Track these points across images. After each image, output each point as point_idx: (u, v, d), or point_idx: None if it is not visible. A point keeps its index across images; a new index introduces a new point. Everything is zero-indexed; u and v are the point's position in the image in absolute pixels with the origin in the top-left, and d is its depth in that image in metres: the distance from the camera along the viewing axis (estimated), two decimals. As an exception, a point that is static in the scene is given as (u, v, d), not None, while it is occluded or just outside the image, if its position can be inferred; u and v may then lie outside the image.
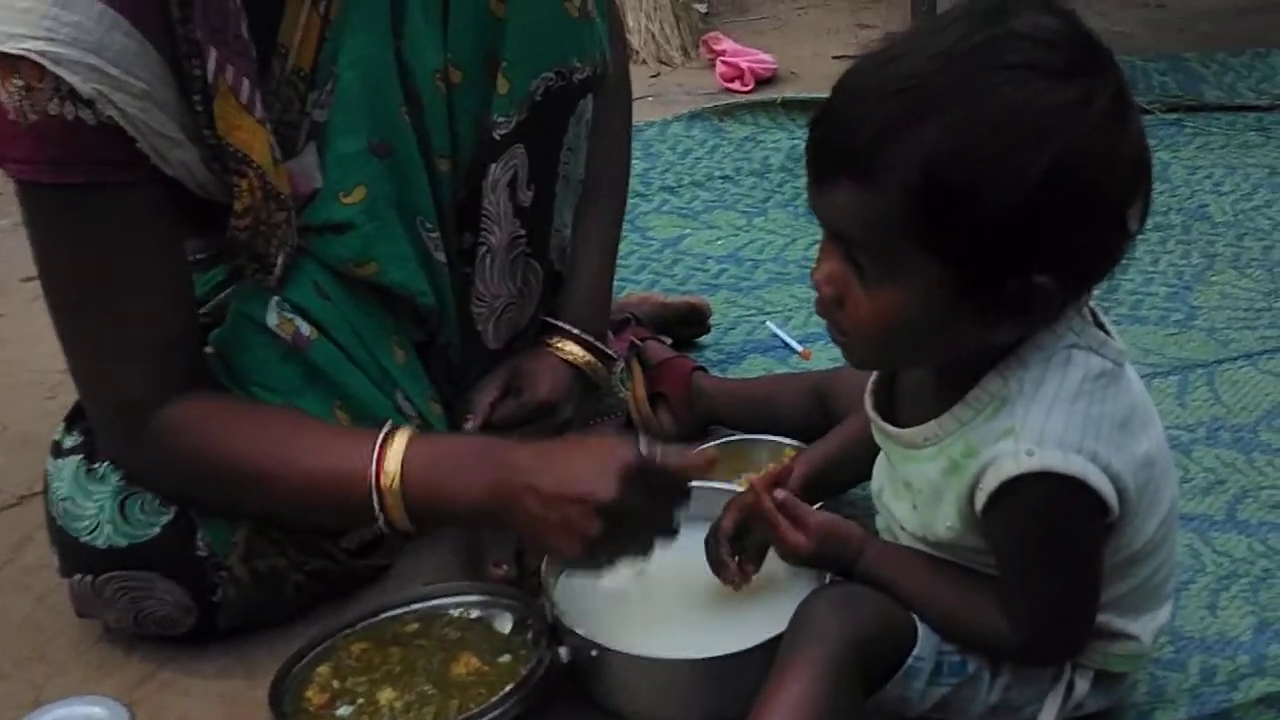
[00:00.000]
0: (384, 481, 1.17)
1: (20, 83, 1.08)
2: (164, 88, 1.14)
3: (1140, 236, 2.11)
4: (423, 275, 1.33)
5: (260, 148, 1.19)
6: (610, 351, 1.47)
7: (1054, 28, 0.93)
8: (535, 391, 1.39)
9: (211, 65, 1.14)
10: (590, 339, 1.43)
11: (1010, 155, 0.89)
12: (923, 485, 1.04)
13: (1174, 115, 2.42)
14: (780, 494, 1.10)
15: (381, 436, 1.19)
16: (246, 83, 1.17)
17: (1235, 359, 1.71)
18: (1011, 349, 0.99)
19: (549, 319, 1.43)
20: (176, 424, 1.21)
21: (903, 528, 1.10)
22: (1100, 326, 1.04)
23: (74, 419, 1.30)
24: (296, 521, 1.28)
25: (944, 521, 1.03)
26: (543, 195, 1.37)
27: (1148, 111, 2.40)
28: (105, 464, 1.26)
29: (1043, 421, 0.96)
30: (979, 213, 0.90)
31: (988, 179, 0.89)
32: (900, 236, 0.93)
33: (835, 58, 2.84)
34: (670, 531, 1.17)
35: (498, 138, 1.32)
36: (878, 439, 1.11)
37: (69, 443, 1.28)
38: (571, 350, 1.42)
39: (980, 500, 0.99)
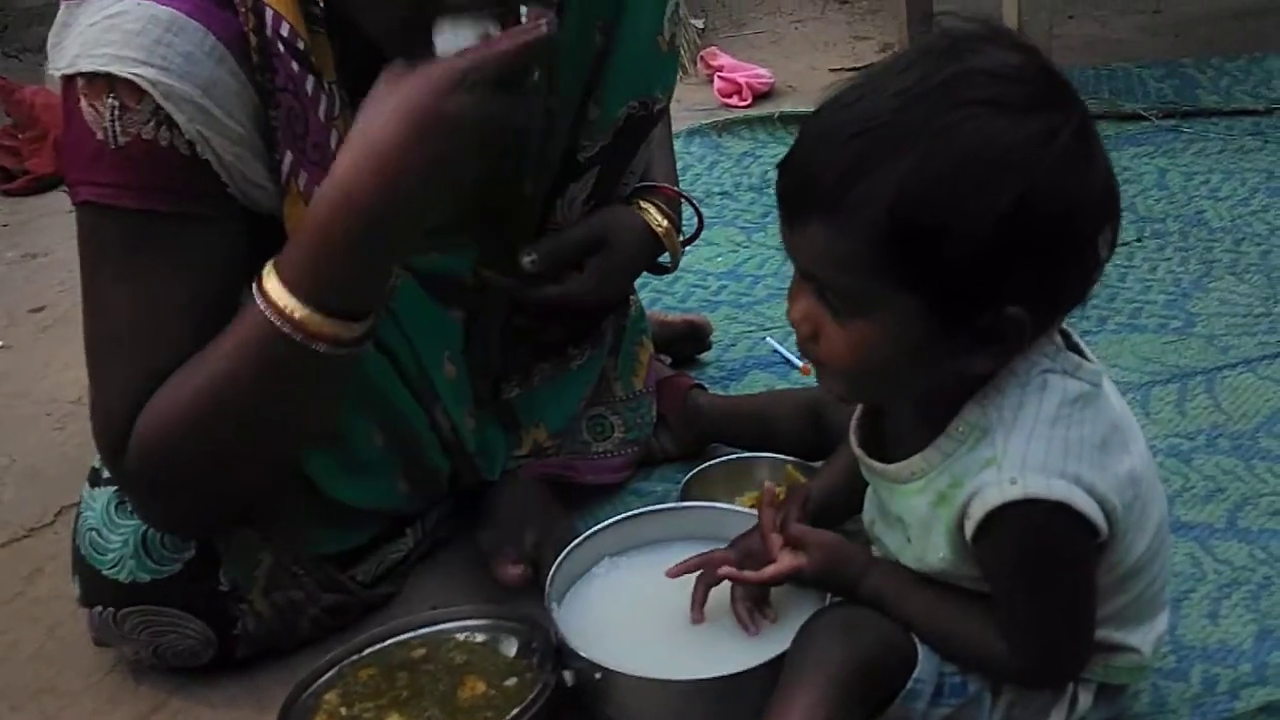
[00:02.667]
0: (280, 307, 1.09)
1: (115, 102, 1.07)
2: (257, 135, 1.13)
3: (1138, 244, 2.13)
4: (469, 266, 1.36)
5: None
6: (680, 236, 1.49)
7: (1015, 63, 0.94)
8: (614, 250, 1.40)
9: (286, 167, 1.14)
10: (664, 208, 1.46)
11: (974, 193, 0.90)
12: (913, 519, 1.05)
13: (1170, 122, 2.42)
14: (789, 514, 1.12)
15: (254, 285, 1.11)
16: (318, 190, 1.13)
17: (1234, 365, 1.72)
18: (988, 378, 1.00)
19: (642, 184, 1.46)
20: (145, 421, 1.15)
21: (896, 559, 1.10)
22: (1075, 349, 1.04)
23: None
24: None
25: (936, 553, 1.04)
26: (596, 208, 1.41)
27: (1144, 118, 2.41)
28: None
29: (1024, 449, 0.97)
30: (946, 250, 0.91)
31: (953, 217, 0.91)
32: (870, 275, 0.94)
33: (832, 70, 2.86)
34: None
35: (582, 160, 1.37)
36: (865, 475, 1.12)
37: (107, 473, 1.28)
38: (655, 216, 1.45)
39: (969, 530, 1.00)
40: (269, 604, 1.28)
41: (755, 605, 1.17)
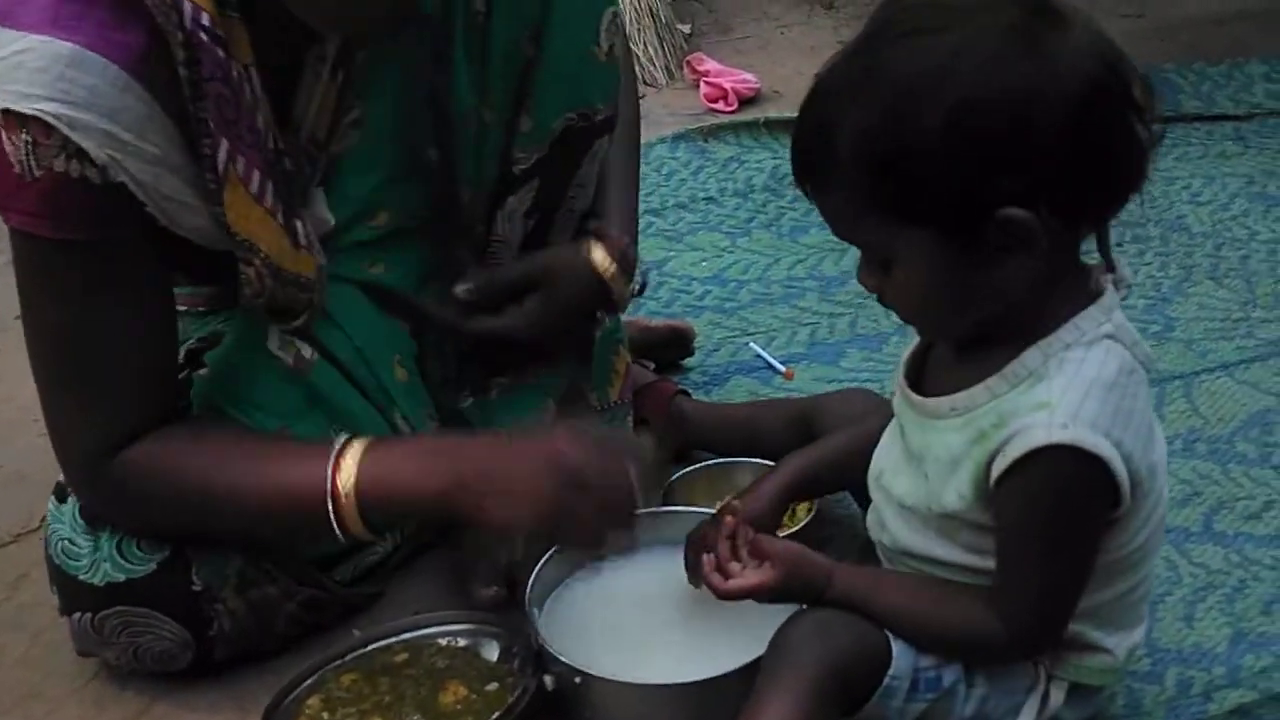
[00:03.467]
0: (340, 493, 1.21)
1: (27, 138, 1.09)
2: (176, 152, 1.15)
3: (1119, 249, 2.15)
4: (420, 284, 1.39)
5: (269, 237, 1.21)
6: (630, 279, 1.46)
7: None
8: (553, 284, 1.39)
9: (222, 155, 1.15)
10: (614, 247, 1.42)
11: (912, 115, 0.95)
12: (941, 454, 1.07)
13: (1154, 127, 2.44)
14: (742, 532, 1.13)
15: (337, 449, 1.22)
16: (257, 174, 1.18)
17: (1212, 370, 1.74)
18: (1051, 327, 1.03)
19: (590, 221, 1.45)
20: (140, 463, 1.23)
21: (899, 504, 1.12)
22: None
23: None
24: (262, 538, 1.31)
25: (956, 490, 1.05)
26: (543, 223, 1.42)
27: (1125, 123, 2.43)
28: None
29: (1079, 401, 1.00)
30: (914, 174, 0.97)
31: (903, 143, 0.96)
32: (876, 222, 1.00)
33: (818, 76, 2.87)
34: (627, 522, 1.22)
35: (518, 172, 1.37)
36: (898, 410, 1.14)
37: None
38: (600, 257, 1.40)
39: (999, 468, 1.01)
40: (243, 602, 1.30)
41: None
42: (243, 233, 1.19)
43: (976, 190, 0.96)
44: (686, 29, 3.11)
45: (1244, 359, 1.75)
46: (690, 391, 1.66)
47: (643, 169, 2.38)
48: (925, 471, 1.08)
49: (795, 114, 1.04)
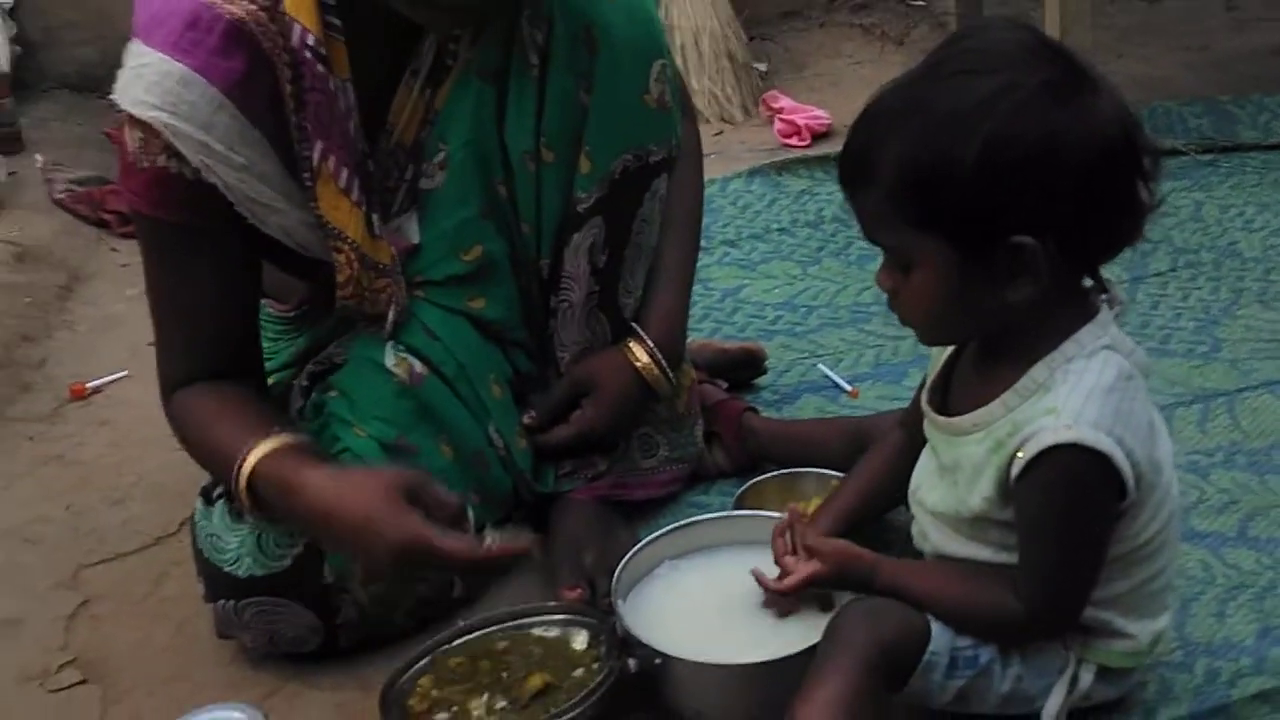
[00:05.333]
0: (240, 478, 1.37)
1: (140, 136, 1.34)
2: (265, 162, 1.36)
3: (1172, 274, 2.25)
4: (519, 315, 1.56)
5: (355, 226, 1.41)
6: (668, 373, 1.60)
7: (998, 39, 1.14)
8: (599, 390, 1.57)
9: (316, 154, 1.37)
10: (652, 348, 1.59)
11: (950, 142, 1.09)
12: (966, 464, 1.20)
13: (1209, 156, 2.53)
14: (797, 530, 1.29)
15: (251, 445, 1.38)
16: (346, 171, 1.39)
17: (1256, 388, 1.83)
18: (1055, 344, 1.16)
19: (632, 324, 1.60)
20: (177, 403, 1.48)
21: (934, 513, 1.25)
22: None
23: None
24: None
25: (980, 494, 1.19)
26: (615, 259, 1.56)
27: (1182, 153, 2.52)
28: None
29: (1081, 405, 1.13)
30: (943, 193, 1.10)
31: (939, 164, 1.10)
32: (902, 227, 1.14)
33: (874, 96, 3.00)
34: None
35: (580, 210, 1.52)
36: (928, 432, 1.28)
37: (217, 490, 1.48)
38: (639, 356, 1.59)
39: (1017, 468, 1.15)
40: (367, 594, 1.45)
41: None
42: (333, 221, 1.40)
43: (995, 216, 1.10)
44: (763, 67, 3.25)
45: (1286, 377, 1.85)
46: (760, 409, 1.80)
47: (720, 202, 2.58)
48: (955, 481, 1.22)
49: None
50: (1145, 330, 2.00)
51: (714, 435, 1.73)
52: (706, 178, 2.64)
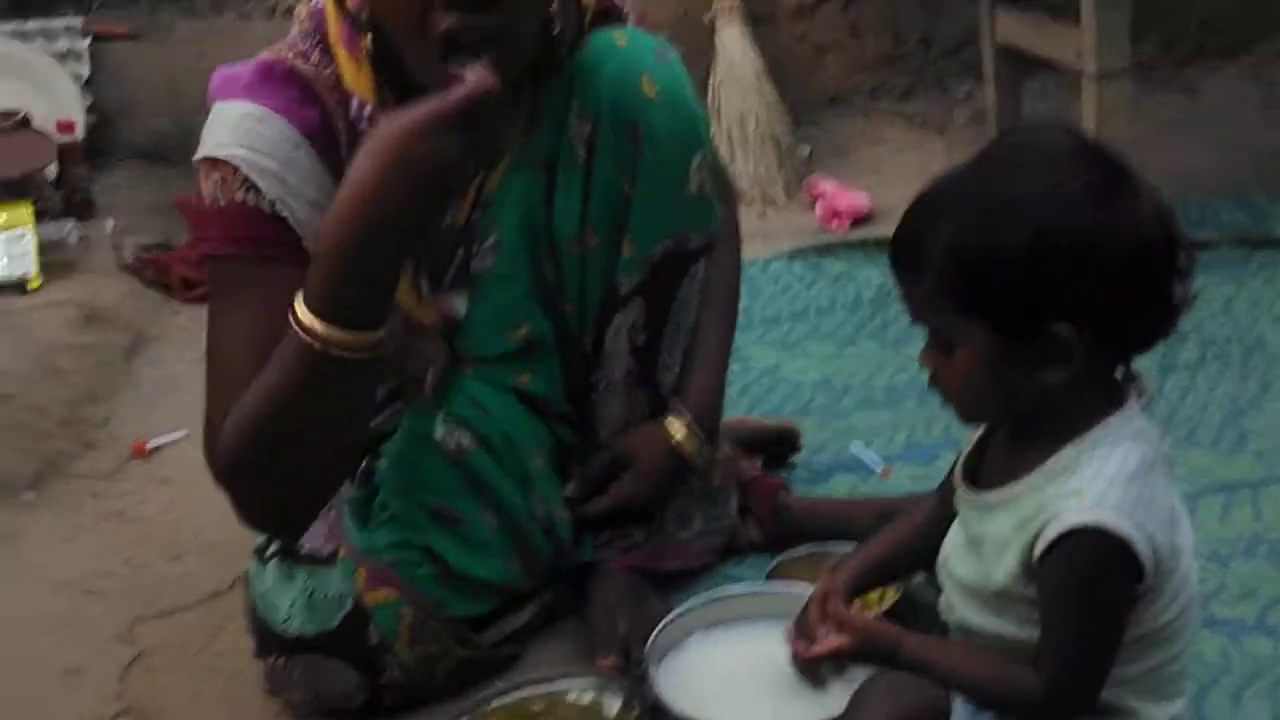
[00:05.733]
0: (308, 326, 1.29)
1: (218, 176, 1.40)
2: (331, 203, 1.39)
3: (1201, 365, 2.30)
4: (562, 389, 1.64)
5: (401, 287, 1.45)
6: (704, 448, 1.67)
7: (1046, 139, 1.22)
8: (637, 463, 1.65)
9: None
10: (689, 422, 1.66)
11: (1000, 232, 1.17)
12: (993, 539, 1.26)
13: (1242, 250, 2.59)
14: (831, 603, 1.34)
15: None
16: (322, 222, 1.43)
17: (1279, 480, 1.88)
18: (1084, 429, 1.22)
19: (670, 400, 1.67)
20: (224, 428, 1.39)
21: (961, 585, 1.31)
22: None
23: None
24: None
25: (1005, 569, 1.24)
26: (654, 338, 1.64)
27: (1214, 246, 2.58)
28: (296, 568, 1.52)
29: (1105, 490, 1.19)
30: (990, 279, 1.17)
31: (988, 252, 1.17)
32: (948, 309, 1.21)
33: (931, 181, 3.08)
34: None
35: (622, 293, 1.61)
36: (960, 504, 1.34)
37: (270, 550, 1.56)
38: (676, 431, 1.66)
39: (1040, 547, 1.20)
40: (411, 655, 1.52)
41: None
42: None
43: (1037, 304, 1.17)
44: (807, 151, 3.33)
45: (1310, 471, 1.89)
46: (793, 486, 1.86)
47: (761, 281, 2.66)
48: (981, 554, 1.28)
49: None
50: (1173, 420, 2.05)
51: (748, 510, 1.79)
52: (749, 258, 2.75)
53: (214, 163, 1.41)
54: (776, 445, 2.00)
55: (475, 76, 1.25)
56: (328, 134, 1.43)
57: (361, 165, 1.26)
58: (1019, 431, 1.29)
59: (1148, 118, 3.40)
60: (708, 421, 1.69)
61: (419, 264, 1.52)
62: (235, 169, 1.39)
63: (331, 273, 1.29)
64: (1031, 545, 1.21)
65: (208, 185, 1.42)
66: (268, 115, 1.40)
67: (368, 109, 1.44)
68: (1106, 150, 1.22)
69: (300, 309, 1.30)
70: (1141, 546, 1.18)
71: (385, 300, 1.34)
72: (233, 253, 1.42)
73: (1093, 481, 1.20)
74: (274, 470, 1.39)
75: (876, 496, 1.84)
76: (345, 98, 1.45)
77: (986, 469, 1.32)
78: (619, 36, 1.57)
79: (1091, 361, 1.20)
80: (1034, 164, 1.19)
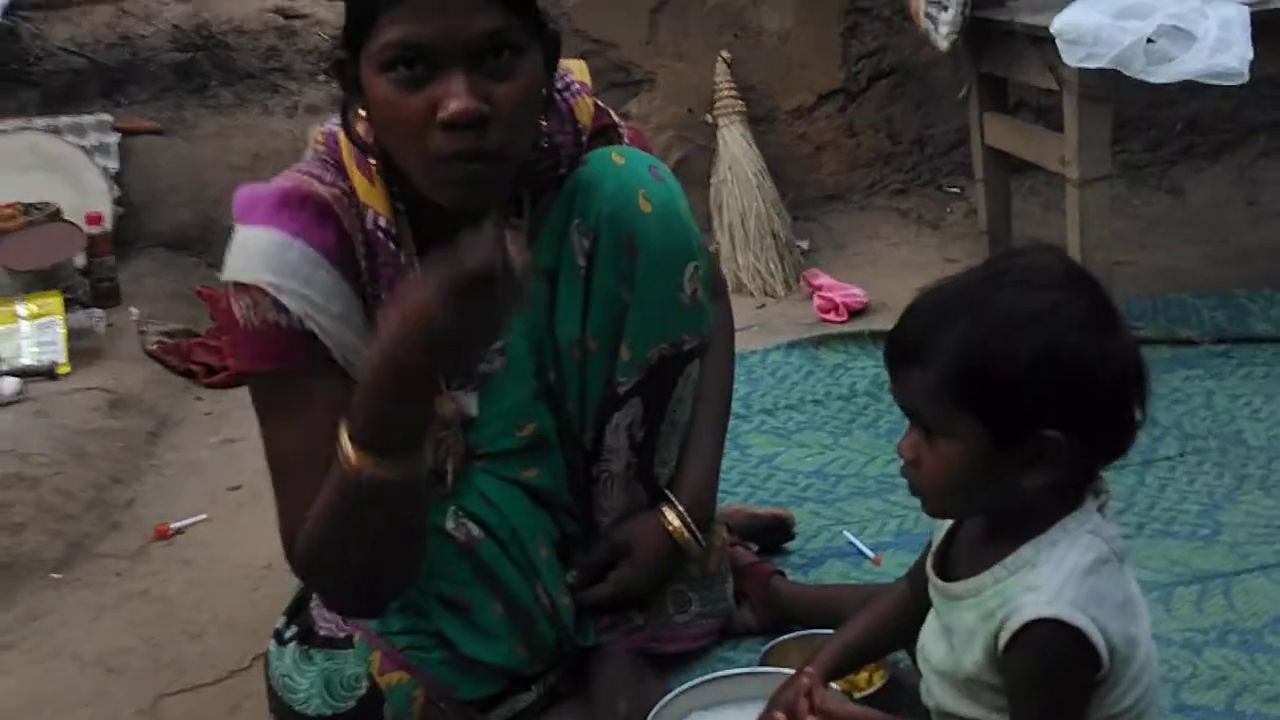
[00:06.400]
0: (347, 454, 1.38)
1: (249, 299, 1.50)
2: (356, 314, 1.53)
3: (1181, 459, 2.38)
4: (566, 483, 1.73)
5: None
6: (699, 536, 1.76)
7: (1045, 261, 1.33)
8: (635, 551, 1.74)
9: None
10: (683, 512, 1.74)
11: (1008, 343, 1.26)
12: (961, 628, 1.35)
13: (1222, 347, 2.69)
14: (817, 692, 1.42)
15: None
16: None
17: (1252, 570, 1.95)
18: (1044, 527, 1.31)
19: (666, 491, 1.77)
20: (293, 544, 1.50)
21: (936, 670, 1.39)
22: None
23: (293, 612, 1.68)
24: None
25: (972, 659, 1.33)
26: (651, 434, 1.74)
27: (1196, 343, 2.68)
28: (314, 651, 1.60)
29: (1061, 584, 1.28)
30: (993, 383, 1.27)
31: (995, 359, 1.27)
32: (946, 402, 1.29)
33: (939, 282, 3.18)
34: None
35: (620, 393, 1.71)
36: (931, 594, 1.42)
37: (289, 633, 1.64)
38: (672, 520, 1.75)
39: (1003, 639, 1.29)
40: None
41: None
42: None
43: (1033, 411, 1.27)
44: (805, 245, 3.46)
45: (1280, 562, 1.98)
46: (787, 572, 1.95)
47: (759, 372, 2.76)
48: (952, 643, 1.36)
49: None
50: (1151, 512, 2.14)
51: (743, 595, 1.87)
52: (749, 349, 2.86)
53: (244, 287, 1.50)
54: (771, 533, 2.08)
55: (481, 252, 1.29)
56: (344, 250, 1.53)
57: (389, 317, 1.35)
58: (986, 526, 1.38)
59: (1136, 215, 3.54)
60: (701, 510, 1.78)
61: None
62: (265, 292, 1.49)
63: (367, 407, 1.38)
64: (996, 636, 1.30)
65: (239, 308, 1.51)
66: (289, 241, 1.50)
67: (382, 220, 1.55)
68: (1095, 279, 1.34)
69: (344, 439, 1.40)
70: (1096, 637, 1.27)
71: (418, 431, 1.42)
72: (268, 369, 1.52)
73: (1050, 576, 1.29)
74: (345, 573, 1.50)
75: (865, 584, 1.92)
76: (361, 212, 1.54)
77: (955, 561, 1.41)
78: (617, 155, 1.68)
79: (1072, 467, 1.30)
80: (1039, 283, 1.30)
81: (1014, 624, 1.28)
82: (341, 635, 1.61)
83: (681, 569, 1.78)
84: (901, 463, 1.36)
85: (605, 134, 1.72)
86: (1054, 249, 1.43)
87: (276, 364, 1.51)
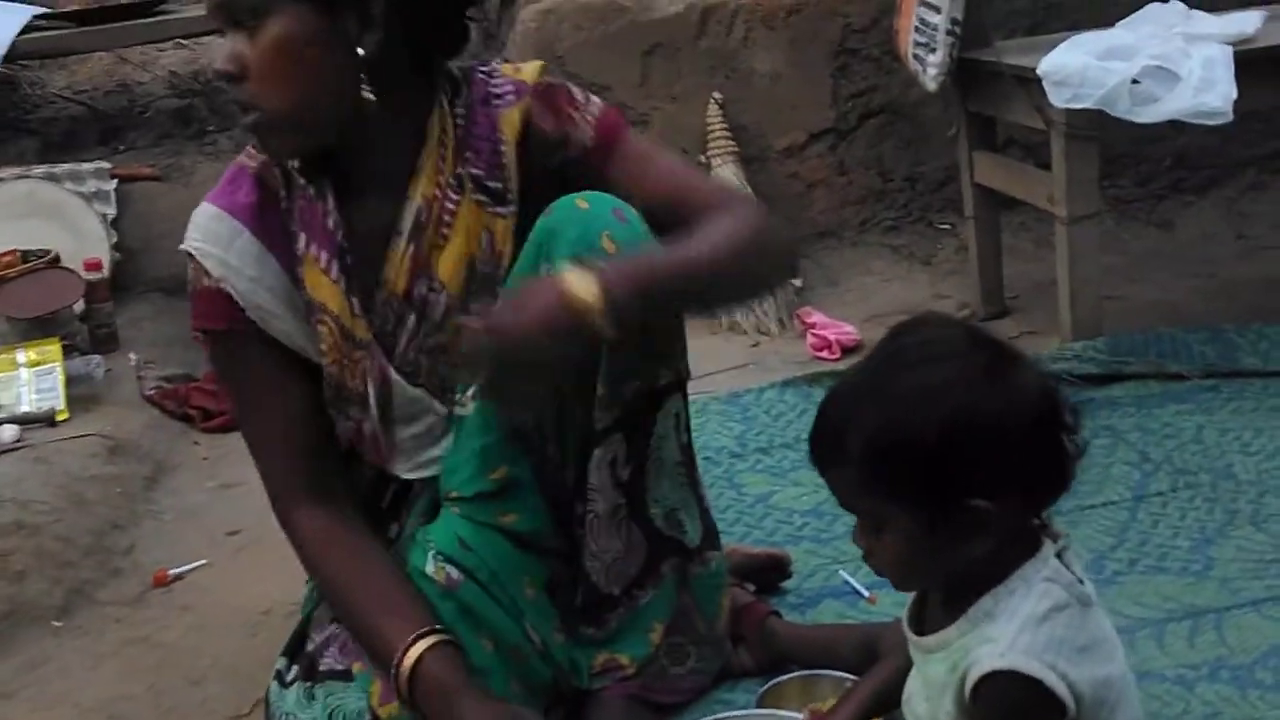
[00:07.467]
0: (401, 674, 1.59)
1: (192, 266, 1.72)
2: (273, 278, 1.69)
3: (1173, 494, 2.40)
4: (551, 525, 1.73)
5: (334, 300, 1.68)
6: (614, 316, 1.49)
7: (937, 333, 1.36)
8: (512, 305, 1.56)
9: (302, 245, 1.69)
10: (599, 274, 1.49)
11: (911, 424, 1.29)
12: (934, 682, 1.38)
13: (1211, 381, 2.70)
14: None
15: (414, 636, 1.60)
16: (325, 254, 1.68)
17: (1243, 606, 1.96)
18: (1003, 573, 1.33)
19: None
20: (301, 529, 1.71)
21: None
22: (1078, 579, 1.37)
23: (292, 652, 1.70)
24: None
25: (945, 710, 1.35)
26: (638, 473, 1.74)
27: (1185, 378, 2.70)
28: (316, 688, 1.64)
29: (1015, 634, 1.31)
30: (908, 466, 1.29)
31: (905, 442, 1.29)
32: (872, 497, 1.34)
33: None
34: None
35: (599, 428, 1.71)
36: (910, 648, 1.45)
37: (290, 675, 1.67)
38: (572, 281, 1.48)
39: (968, 690, 1.31)
40: None
41: None
42: (316, 298, 1.69)
43: (954, 483, 1.30)
44: (798, 283, 3.47)
45: (1272, 597, 1.97)
46: (783, 612, 1.96)
47: (754, 410, 2.77)
48: (927, 694, 1.39)
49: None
50: (1144, 548, 2.15)
51: (740, 637, 1.89)
52: (743, 387, 2.86)
53: (188, 255, 1.72)
54: (768, 572, 2.09)
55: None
56: (267, 210, 1.70)
57: None
58: (946, 585, 1.40)
59: (1125, 250, 3.56)
60: (629, 289, 1.49)
61: (350, 285, 1.69)
62: (198, 261, 1.71)
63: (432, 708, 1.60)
64: (962, 686, 1.33)
65: (190, 273, 1.73)
66: (218, 214, 1.70)
67: (297, 164, 1.70)
68: (992, 335, 1.37)
69: (406, 665, 1.60)
70: (1054, 683, 1.29)
71: None
72: (216, 329, 1.72)
73: (1005, 627, 1.31)
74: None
75: (861, 623, 1.94)
76: (287, 170, 1.71)
77: (926, 615, 1.44)
78: (581, 201, 1.68)
79: (1009, 527, 1.33)
80: (934, 357, 1.33)
81: (974, 676, 1.31)
82: (342, 666, 1.66)
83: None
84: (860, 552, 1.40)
85: (566, 136, 1.72)
86: (945, 318, 1.48)
87: (214, 322, 1.71)
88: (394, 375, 1.70)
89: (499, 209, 1.71)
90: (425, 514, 1.76)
